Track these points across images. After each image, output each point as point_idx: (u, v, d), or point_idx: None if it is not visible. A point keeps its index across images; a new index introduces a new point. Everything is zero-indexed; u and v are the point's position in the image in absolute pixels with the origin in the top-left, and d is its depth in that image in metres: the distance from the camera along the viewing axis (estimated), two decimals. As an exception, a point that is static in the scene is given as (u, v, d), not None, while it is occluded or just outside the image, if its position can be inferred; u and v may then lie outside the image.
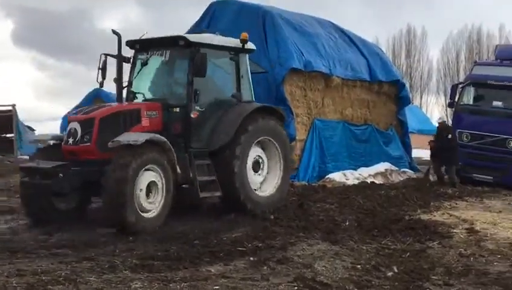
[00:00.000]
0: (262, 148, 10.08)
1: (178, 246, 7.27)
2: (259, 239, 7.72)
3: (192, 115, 9.25)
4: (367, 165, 16.20)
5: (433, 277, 6.20)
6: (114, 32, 9.50)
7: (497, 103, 16.21)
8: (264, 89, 13.43)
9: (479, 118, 16.32)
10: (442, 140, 15.34)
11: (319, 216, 9.46)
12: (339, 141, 15.82)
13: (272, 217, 9.24)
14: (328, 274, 6.16)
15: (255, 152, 9.88)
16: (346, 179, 14.91)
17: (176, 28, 59.13)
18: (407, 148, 18.59)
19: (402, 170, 17.26)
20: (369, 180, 15.09)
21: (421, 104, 53.37)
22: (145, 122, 9.03)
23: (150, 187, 8.36)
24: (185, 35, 9.72)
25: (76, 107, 30.72)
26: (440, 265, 6.73)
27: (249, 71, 10.34)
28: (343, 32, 17.44)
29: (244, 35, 9.98)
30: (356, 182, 14.77)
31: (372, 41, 24.79)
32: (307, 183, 13.90)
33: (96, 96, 29.98)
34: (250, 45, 10.17)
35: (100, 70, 9.82)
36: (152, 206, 8.40)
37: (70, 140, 8.65)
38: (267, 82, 13.99)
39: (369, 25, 62.92)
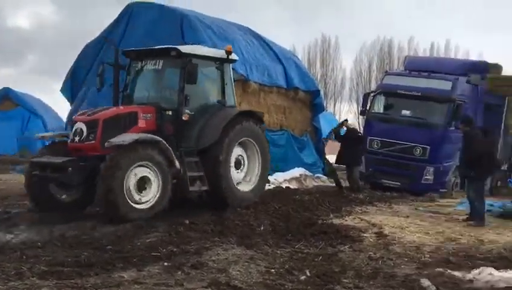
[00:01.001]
0: (243, 148, 11.15)
1: (89, 252, 7.08)
2: (173, 244, 7.65)
3: (183, 118, 10.27)
4: (282, 171, 16.43)
5: (344, 280, 6.36)
6: (111, 43, 10.48)
7: (406, 112, 16.83)
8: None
9: (388, 125, 16.88)
10: (348, 139, 15.63)
11: (235, 221, 9.48)
12: (255, 146, 15.92)
13: (187, 221, 9.19)
14: (243, 278, 6.19)
15: (237, 152, 10.94)
16: (262, 184, 15.01)
17: (92, 27, 57.58)
18: (321, 154, 19.00)
19: (316, 175, 17.63)
20: (284, 185, 15.29)
21: (334, 111, 54.77)
22: (141, 123, 10.06)
23: (145, 181, 9.30)
24: (177, 46, 10.60)
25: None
26: (351, 268, 6.91)
27: (232, 79, 11.49)
28: (261, 39, 17.62)
29: (229, 47, 11.08)
30: (271, 187, 14.93)
31: (289, 49, 25.22)
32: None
33: (4, 95, 28.77)
34: (233, 56, 11.28)
35: (98, 77, 11.15)
36: (145, 198, 9.35)
37: (77, 138, 9.69)
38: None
39: (286, 33, 64.03)
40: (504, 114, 17.93)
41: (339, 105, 56.80)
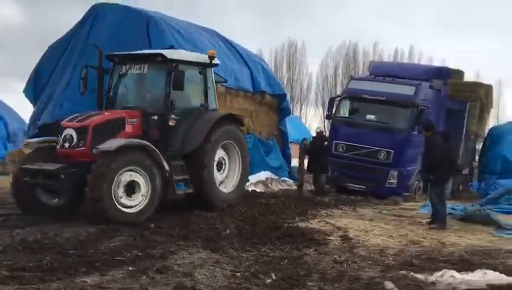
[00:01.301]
0: (225, 151, 11.48)
1: (52, 256, 6.95)
2: (138, 248, 7.57)
3: (170, 123, 10.48)
4: (249, 174, 16.41)
5: (309, 283, 6.40)
6: (95, 46, 10.47)
7: (371, 116, 17.03)
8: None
9: (353, 130, 17.05)
10: (317, 146, 15.95)
11: (200, 224, 9.44)
12: (221, 149, 15.92)
13: (152, 225, 9.12)
14: (208, 282, 6.18)
15: (219, 154, 11.28)
16: (228, 187, 14.99)
17: (55, 27, 56.61)
18: (287, 157, 19.09)
19: (282, 179, 17.69)
20: (250, 189, 15.30)
21: (300, 115, 55.17)
22: (128, 128, 10.21)
23: (134, 186, 9.48)
24: (162, 51, 10.81)
25: None
26: (316, 271, 6.96)
27: (214, 83, 11.72)
28: (227, 42, 17.58)
29: (212, 52, 11.30)
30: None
31: (256, 53, 25.26)
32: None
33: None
34: (216, 61, 11.46)
35: (82, 80, 11.22)
36: (134, 202, 9.50)
37: (66, 144, 9.80)
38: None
39: (253, 37, 64.13)
40: (465, 119, 18.35)
41: (305, 109, 57.33)
